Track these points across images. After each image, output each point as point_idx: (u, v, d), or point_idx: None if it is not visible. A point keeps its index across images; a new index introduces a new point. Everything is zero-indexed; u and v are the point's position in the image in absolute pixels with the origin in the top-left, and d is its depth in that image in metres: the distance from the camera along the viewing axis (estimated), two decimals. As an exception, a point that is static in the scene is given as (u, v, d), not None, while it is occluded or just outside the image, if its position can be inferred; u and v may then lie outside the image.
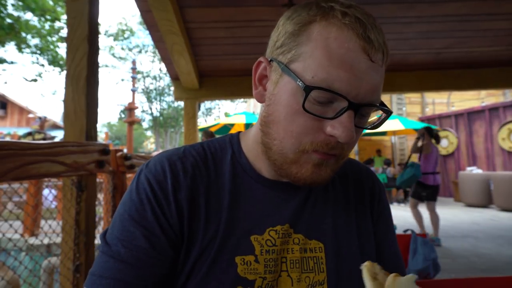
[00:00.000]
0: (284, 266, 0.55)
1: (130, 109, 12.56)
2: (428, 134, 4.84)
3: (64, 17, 11.45)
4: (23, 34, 11.32)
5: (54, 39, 12.64)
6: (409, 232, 2.56)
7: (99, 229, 3.77)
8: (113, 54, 23.86)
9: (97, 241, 2.23)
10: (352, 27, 0.46)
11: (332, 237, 0.58)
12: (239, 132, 0.65)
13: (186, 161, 0.57)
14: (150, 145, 35.25)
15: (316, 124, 0.49)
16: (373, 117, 0.54)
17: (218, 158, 0.60)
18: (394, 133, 10.42)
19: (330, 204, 0.61)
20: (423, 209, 5.00)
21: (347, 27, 0.46)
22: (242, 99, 24.10)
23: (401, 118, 9.79)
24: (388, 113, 0.51)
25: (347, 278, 0.56)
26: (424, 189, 4.78)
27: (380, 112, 0.52)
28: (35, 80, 14.47)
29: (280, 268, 0.54)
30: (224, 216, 0.54)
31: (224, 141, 0.63)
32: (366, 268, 0.37)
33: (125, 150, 2.22)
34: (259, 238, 0.54)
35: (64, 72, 1.44)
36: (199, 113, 4.74)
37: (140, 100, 25.03)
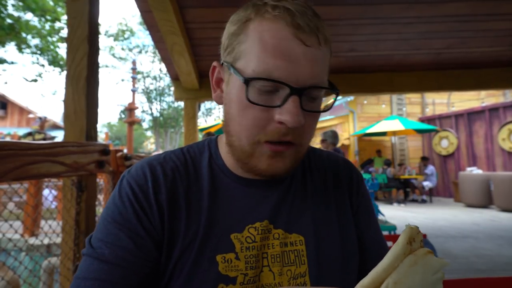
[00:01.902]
0: (266, 261, 0.56)
1: (130, 109, 12.57)
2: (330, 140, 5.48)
3: (64, 17, 11.45)
4: (23, 35, 11.31)
5: (54, 39, 12.63)
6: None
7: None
8: (113, 55, 23.86)
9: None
10: (281, 17, 0.49)
11: (312, 230, 0.59)
12: (217, 136, 0.67)
13: (166, 165, 0.59)
14: (150, 145, 35.24)
15: (265, 115, 0.51)
16: (330, 100, 0.55)
17: (197, 161, 0.62)
18: (394, 133, 10.43)
19: (309, 197, 0.63)
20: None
21: (277, 18, 0.49)
22: (242, 100, 24.01)
23: (401, 119, 9.79)
24: (335, 93, 0.54)
25: (328, 268, 0.58)
26: None
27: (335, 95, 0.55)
28: (35, 80, 14.46)
29: (261, 264, 0.56)
30: (204, 217, 0.55)
31: (203, 144, 0.65)
32: (409, 229, 0.35)
33: (125, 151, 2.22)
34: (239, 236, 0.56)
35: (64, 72, 1.44)
36: (199, 113, 4.74)
37: (140, 100, 25.05)
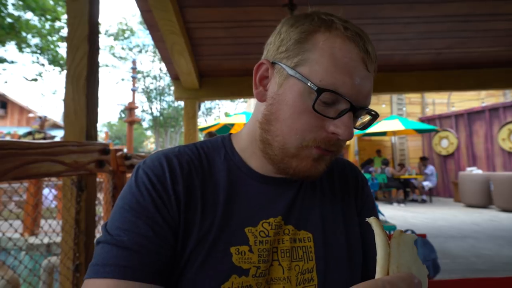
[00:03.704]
0: (276, 255, 0.58)
1: (130, 108, 12.57)
2: None
3: (64, 16, 11.45)
4: (24, 34, 11.32)
5: (54, 38, 12.64)
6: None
7: (99, 228, 3.78)
8: (113, 54, 23.83)
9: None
10: (354, 40, 0.54)
11: (320, 227, 0.62)
12: (230, 133, 0.69)
13: (181, 158, 0.60)
14: (150, 145, 35.24)
15: (319, 123, 0.54)
16: (365, 119, 0.61)
17: (211, 157, 0.63)
18: (394, 133, 10.43)
19: (317, 197, 0.66)
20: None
21: (349, 39, 0.53)
22: (242, 99, 24.11)
23: (401, 119, 9.78)
24: (375, 117, 0.59)
25: (335, 265, 0.60)
26: None
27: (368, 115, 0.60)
28: (35, 80, 14.48)
29: (272, 258, 0.58)
30: (219, 210, 0.57)
31: (217, 141, 0.67)
32: (374, 220, 0.42)
33: (125, 150, 2.23)
34: (253, 229, 0.58)
35: (64, 71, 1.45)
36: (199, 113, 4.75)
37: (140, 100, 25.01)
